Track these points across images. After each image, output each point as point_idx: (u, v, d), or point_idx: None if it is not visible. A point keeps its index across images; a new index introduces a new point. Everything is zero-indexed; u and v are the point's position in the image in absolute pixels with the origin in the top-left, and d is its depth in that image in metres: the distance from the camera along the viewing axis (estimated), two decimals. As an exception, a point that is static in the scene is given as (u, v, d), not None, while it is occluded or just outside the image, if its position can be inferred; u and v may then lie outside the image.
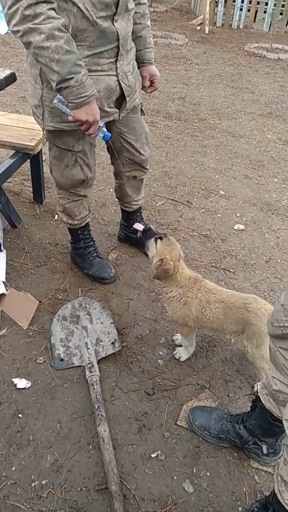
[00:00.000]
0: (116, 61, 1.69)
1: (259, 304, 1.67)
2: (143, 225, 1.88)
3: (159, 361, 1.93)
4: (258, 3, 8.36)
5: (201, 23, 8.25)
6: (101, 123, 1.64)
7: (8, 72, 1.98)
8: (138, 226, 1.87)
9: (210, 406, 1.73)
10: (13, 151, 2.44)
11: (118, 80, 1.73)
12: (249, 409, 1.58)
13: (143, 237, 1.80)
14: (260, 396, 1.43)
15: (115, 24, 1.60)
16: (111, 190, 3.00)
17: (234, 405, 1.79)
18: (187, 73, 5.76)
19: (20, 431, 1.61)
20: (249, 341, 1.70)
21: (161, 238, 1.72)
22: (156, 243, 1.73)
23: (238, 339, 1.75)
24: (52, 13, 1.40)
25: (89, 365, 1.80)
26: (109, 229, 2.70)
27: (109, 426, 1.63)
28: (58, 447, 1.58)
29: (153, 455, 1.58)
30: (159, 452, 1.59)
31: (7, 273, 2.19)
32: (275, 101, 5.07)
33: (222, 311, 1.70)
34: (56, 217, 2.68)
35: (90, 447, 1.59)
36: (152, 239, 1.75)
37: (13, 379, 1.78)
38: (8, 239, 2.48)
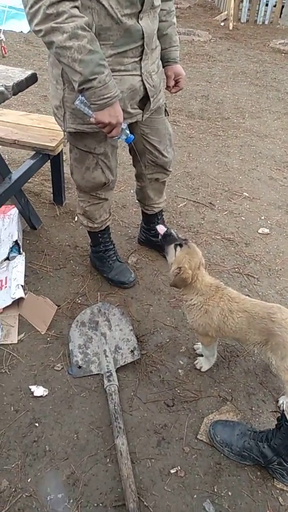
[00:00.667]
0: (140, 60, 1.63)
1: (284, 314, 1.60)
2: (165, 228, 1.81)
3: (180, 371, 1.86)
4: (284, -2, 8.14)
5: (225, 19, 8.09)
6: (124, 125, 1.58)
7: (29, 72, 1.94)
8: (160, 229, 1.79)
9: (232, 421, 1.66)
10: (34, 152, 2.40)
11: (142, 80, 1.67)
12: (274, 426, 1.50)
13: (163, 241, 1.74)
14: (286, 416, 1.36)
15: (140, 22, 1.53)
16: (132, 191, 2.94)
17: (257, 419, 1.71)
18: (210, 71, 5.64)
19: (36, 441, 1.58)
20: (273, 352, 1.62)
21: (181, 245, 1.66)
22: (175, 250, 1.66)
23: (262, 351, 1.67)
24: (75, 11, 1.35)
25: (108, 374, 1.75)
26: (129, 231, 2.64)
27: (127, 438, 1.58)
28: (74, 459, 1.54)
29: (172, 471, 1.53)
30: (179, 468, 1.53)
31: (26, 276, 2.16)
32: (301, 99, 4.92)
33: (246, 321, 1.63)
34: (76, 219, 2.64)
35: (108, 460, 1.54)
36: (172, 245, 1.69)
37: (30, 387, 1.74)
38: (28, 241, 2.45)
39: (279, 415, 1.47)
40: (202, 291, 1.67)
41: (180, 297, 1.75)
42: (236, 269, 2.42)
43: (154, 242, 2.44)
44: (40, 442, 1.57)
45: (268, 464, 1.49)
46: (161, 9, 1.72)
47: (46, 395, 1.73)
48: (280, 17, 8.30)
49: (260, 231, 2.73)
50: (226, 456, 1.56)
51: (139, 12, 1.52)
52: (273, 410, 1.72)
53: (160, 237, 1.76)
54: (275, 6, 8.15)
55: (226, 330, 1.67)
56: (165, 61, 1.89)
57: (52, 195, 2.79)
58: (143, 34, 1.55)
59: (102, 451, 1.56)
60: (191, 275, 1.62)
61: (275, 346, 1.60)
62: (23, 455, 1.53)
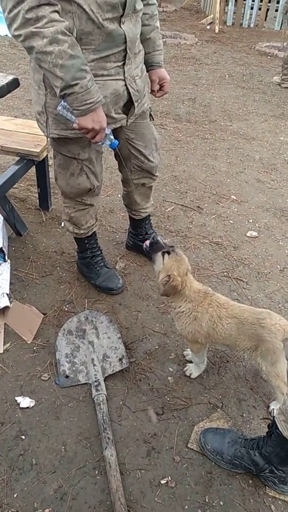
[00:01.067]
0: (123, 64, 1.61)
1: (273, 319, 1.58)
2: (151, 236, 1.79)
3: (169, 378, 1.84)
4: (269, 1, 8.21)
5: (211, 23, 8.14)
6: (107, 131, 1.56)
7: (10, 77, 1.91)
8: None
9: (223, 428, 1.64)
10: (18, 158, 2.37)
11: (125, 85, 1.65)
12: (265, 433, 1.48)
13: (150, 250, 1.72)
14: (277, 423, 1.34)
15: (122, 26, 1.51)
16: (119, 195, 2.92)
17: (248, 426, 1.69)
18: (197, 74, 5.65)
19: (22, 454, 1.54)
20: (264, 358, 1.61)
21: (168, 253, 1.63)
22: (163, 257, 1.64)
23: (252, 356, 1.66)
24: (55, 16, 1.32)
25: (96, 383, 1.72)
26: (117, 236, 2.62)
27: (116, 449, 1.55)
28: (62, 472, 1.50)
29: (162, 482, 1.50)
30: (169, 478, 1.51)
31: (11, 283, 2.12)
32: (287, 101, 4.94)
33: (235, 327, 1.61)
34: (62, 225, 2.61)
35: (96, 472, 1.51)
36: (159, 253, 1.66)
37: (16, 398, 1.70)
38: (13, 248, 2.41)
39: (270, 422, 1.45)
40: (191, 298, 1.65)
41: (168, 304, 1.73)
42: (225, 273, 2.41)
43: (142, 247, 2.41)
44: (27, 456, 1.54)
45: (259, 472, 1.47)
46: (144, 13, 1.71)
47: (32, 406, 1.69)
48: (265, 20, 8.37)
49: (248, 234, 2.72)
50: (217, 464, 1.54)
51: (121, 16, 1.50)
52: (264, 417, 1.70)
53: (145, 246, 1.73)
54: (260, 9, 8.22)
55: (215, 337, 1.65)
56: (149, 65, 1.88)
57: (38, 200, 2.76)
58: (125, 38, 1.53)
59: (90, 463, 1.53)
60: (180, 282, 1.60)
61: (265, 352, 1.59)
62: (9, 469, 1.49)
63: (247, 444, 1.50)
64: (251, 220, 2.86)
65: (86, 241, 2.16)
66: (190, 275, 1.67)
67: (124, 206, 2.38)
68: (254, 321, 1.58)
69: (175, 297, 1.65)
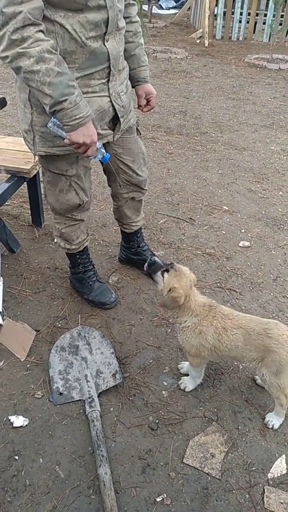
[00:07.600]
0: (108, 81, 1.63)
1: (281, 329, 1.58)
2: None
3: (163, 392, 1.82)
4: (257, 14, 8.36)
5: (200, 37, 8.27)
6: (99, 145, 1.57)
7: (-2, 97, 1.93)
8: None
9: None
10: (9, 175, 2.38)
11: (110, 101, 1.67)
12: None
13: (149, 271, 1.71)
14: None
15: (106, 44, 1.54)
16: (112, 209, 2.93)
17: (244, 439, 1.67)
18: (188, 87, 5.73)
19: (16, 475, 1.51)
20: (268, 369, 1.60)
21: (167, 270, 1.64)
22: (163, 276, 1.64)
23: (256, 367, 1.64)
24: (41, 35, 1.35)
25: (89, 400, 1.71)
26: (110, 250, 2.62)
27: (111, 467, 1.53)
28: (56, 492, 1.48)
29: (158, 499, 1.47)
30: (165, 496, 1.48)
31: (4, 301, 2.11)
32: (277, 111, 5.00)
33: (241, 338, 1.60)
34: (55, 240, 2.61)
35: (91, 491, 1.48)
36: (159, 273, 1.66)
37: (9, 417, 1.68)
38: (6, 265, 2.41)
39: None
40: (196, 312, 1.63)
41: (173, 321, 1.70)
42: (218, 284, 2.41)
43: (135, 260, 2.42)
44: (20, 476, 1.51)
45: None
46: (127, 31, 1.74)
47: (26, 425, 1.67)
48: (254, 32, 8.51)
49: (240, 244, 2.73)
50: None
51: (105, 34, 1.52)
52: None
53: (145, 268, 1.73)
54: (248, 22, 8.36)
55: (221, 349, 1.63)
56: (135, 80, 1.90)
57: (30, 217, 2.76)
58: (108, 56, 1.55)
59: (84, 482, 1.51)
60: (183, 295, 1.59)
61: (270, 363, 1.58)
62: (2, 491, 1.47)
63: None
64: (243, 230, 2.87)
65: (78, 256, 2.16)
66: (194, 288, 1.65)
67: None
68: (261, 331, 1.58)
69: (180, 312, 1.64)
